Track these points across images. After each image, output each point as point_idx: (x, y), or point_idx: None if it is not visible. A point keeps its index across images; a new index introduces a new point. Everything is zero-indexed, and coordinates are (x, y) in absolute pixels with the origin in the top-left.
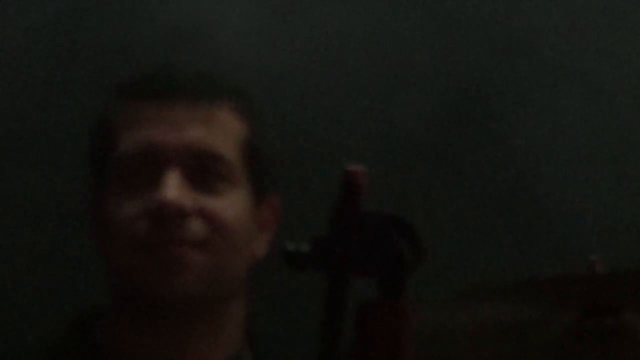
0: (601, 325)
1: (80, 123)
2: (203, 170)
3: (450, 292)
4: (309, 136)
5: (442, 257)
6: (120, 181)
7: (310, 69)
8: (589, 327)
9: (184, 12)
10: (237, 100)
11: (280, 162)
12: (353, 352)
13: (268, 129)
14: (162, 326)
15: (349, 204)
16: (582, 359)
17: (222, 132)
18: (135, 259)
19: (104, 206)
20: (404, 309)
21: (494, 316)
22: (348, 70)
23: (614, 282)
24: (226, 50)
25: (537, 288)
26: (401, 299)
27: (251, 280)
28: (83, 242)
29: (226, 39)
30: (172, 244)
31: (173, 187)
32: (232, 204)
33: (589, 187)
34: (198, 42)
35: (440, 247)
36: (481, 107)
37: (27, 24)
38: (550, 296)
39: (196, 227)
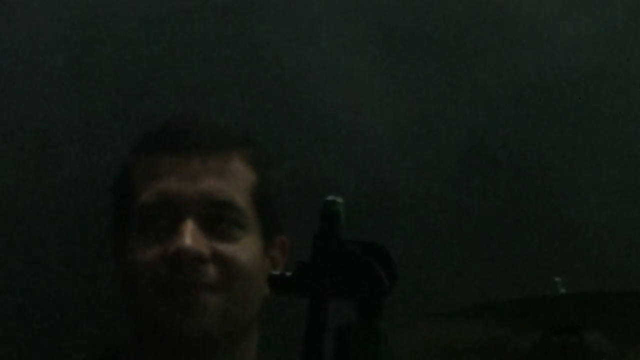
0: (564, 343)
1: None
2: (217, 218)
3: (424, 314)
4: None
5: (417, 282)
6: (140, 229)
7: None
8: (552, 345)
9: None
10: (247, 149)
11: (288, 206)
12: None
13: (277, 175)
14: None
15: (328, 231)
16: None
17: (234, 181)
18: (156, 301)
19: (126, 252)
20: (381, 330)
21: (465, 335)
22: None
23: (575, 303)
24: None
25: (505, 309)
26: (378, 320)
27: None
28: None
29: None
30: (191, 288)
31: (190, 235)
32: (244, 249)
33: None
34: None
35: (416, 273)
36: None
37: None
38: (517, 316)
39: (212, 271)
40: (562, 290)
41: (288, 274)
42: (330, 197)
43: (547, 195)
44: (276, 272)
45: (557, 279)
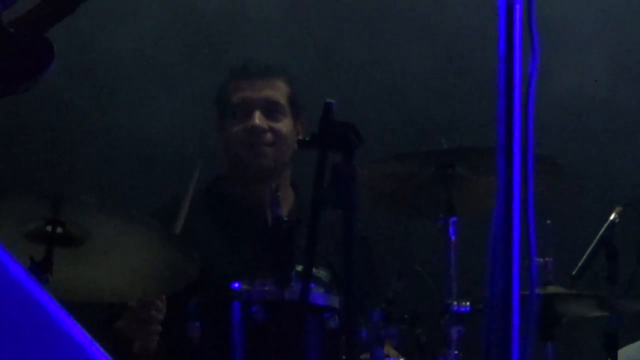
0: (446, 172)
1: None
2: (271, 110)
3: (378, 158)
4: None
5: (375, 142)
6: (232, 116)
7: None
8: (440, 174)
9: None
10: (285, 75)
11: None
12: (330, 188)
13: (299, 90)
14: (256, 181)
15: (327, 116)
16: (440, 191)
17: (279, 91)
18: (241, 151)
19: (225, 127)
20: (355, 168)
21: (392, 170)
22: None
23: (451, 152)
24: None
25: (419, 155)
26: (352, 161)
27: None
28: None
29: None
30: (258, 144)
31: (258, 118)
32: (285, 125)
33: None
34: None
35: (374, 139)
36: None
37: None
38: (421, 159)
39: (269, 136)
40: (445, 146)
41: (307, 138)
42: (328, 100)
43: None
44: (301, 137)
45: (442, 140)
